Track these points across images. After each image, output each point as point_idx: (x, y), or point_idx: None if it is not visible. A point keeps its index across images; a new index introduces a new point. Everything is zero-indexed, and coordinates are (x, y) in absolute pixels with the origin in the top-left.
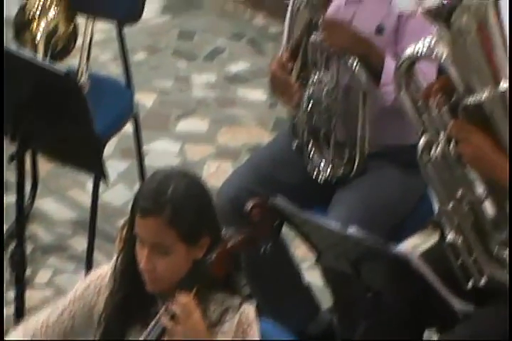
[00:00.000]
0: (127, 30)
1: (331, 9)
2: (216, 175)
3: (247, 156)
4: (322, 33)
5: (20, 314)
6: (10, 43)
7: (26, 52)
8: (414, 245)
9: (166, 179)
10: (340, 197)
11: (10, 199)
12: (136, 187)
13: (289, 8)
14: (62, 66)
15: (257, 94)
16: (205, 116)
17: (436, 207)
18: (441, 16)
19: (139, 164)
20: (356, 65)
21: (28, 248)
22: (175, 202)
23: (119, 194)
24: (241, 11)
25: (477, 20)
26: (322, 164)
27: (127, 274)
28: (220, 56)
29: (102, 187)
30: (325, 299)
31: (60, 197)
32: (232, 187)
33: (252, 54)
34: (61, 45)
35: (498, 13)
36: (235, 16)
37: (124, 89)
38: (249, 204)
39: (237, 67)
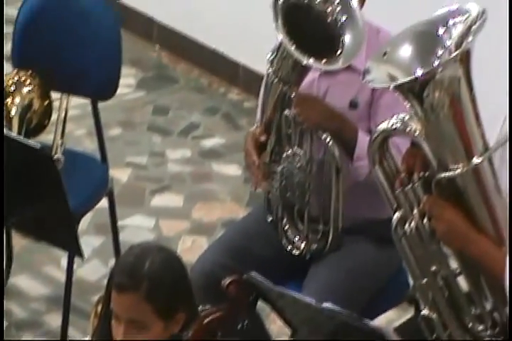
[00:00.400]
0: (102, 105)
1: (304, 83)
2: (191, 250)
3: (222, 231)
4: (295, 108)
5: None
6: None
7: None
8: (390, 320)
9: (143, 254)
10: (314, 273)
11: None
12: (111, 262)
13: (263, 83)
14: (36, 141)
15: (232, 169)
16: (180, 191)
17: (411, 280)
18: (414, 91)
19: (114, 239)
20: (330, 140)
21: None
22: (152, 277)
23: (93, 269)
24: (216, 86)
25: (450, 95)
26: (296, 239)
27: None
28: (195, 131)
29: (76, 262)
30: None
31: (34, 273)
32: (207, 262)
33: (227, 129)
34: (36, 120)
35: (471, 88)
36: (210, 91)
37: (99, 164)
38: (226, 281)
39: (212, 142)
